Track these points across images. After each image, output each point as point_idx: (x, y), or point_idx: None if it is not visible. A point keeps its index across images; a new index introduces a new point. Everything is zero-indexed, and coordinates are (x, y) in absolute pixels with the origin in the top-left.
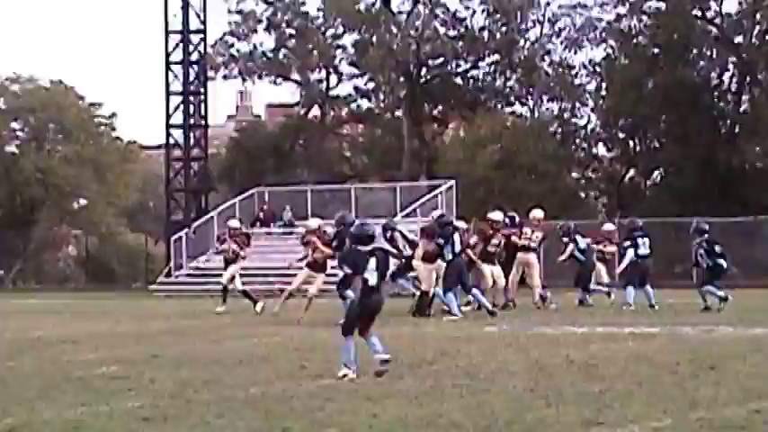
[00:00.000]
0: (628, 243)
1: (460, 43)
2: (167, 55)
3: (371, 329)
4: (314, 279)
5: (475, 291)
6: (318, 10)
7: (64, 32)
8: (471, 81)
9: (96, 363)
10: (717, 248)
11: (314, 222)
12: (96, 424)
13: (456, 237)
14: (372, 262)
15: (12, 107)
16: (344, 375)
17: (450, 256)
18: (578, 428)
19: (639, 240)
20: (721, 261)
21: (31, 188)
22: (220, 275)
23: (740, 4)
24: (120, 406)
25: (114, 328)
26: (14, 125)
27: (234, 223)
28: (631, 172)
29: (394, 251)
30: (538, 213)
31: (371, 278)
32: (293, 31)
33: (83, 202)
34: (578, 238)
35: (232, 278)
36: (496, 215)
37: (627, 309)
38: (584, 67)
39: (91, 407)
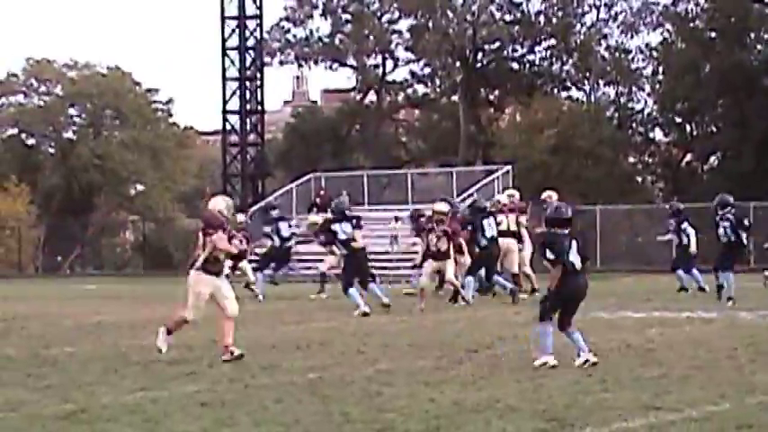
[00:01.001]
0: (686, 226)
1: (516, 28)
2: (224, 41)
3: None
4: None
5: (496, 278)
6: None
7: (121, 19)
8: (527, 66)
9: (155, 347)
10: (745, 222)
11: (443, 206)
12: (154, 408)
13: (487, 222)
14: (574, 245)
15: (69, 93)
16: (544, 363)
17: (483, 242)
18: (636, 412)
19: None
20: (743, 236)
21: (88, 174)
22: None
23: None
24: (178, 390)
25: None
26: (72, 111)
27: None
28: (688, 156)
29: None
30: (502, 198)
31: (576, 261)
32: (349, 17)
33: (140, 187)
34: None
35: (330, 266)
36: (441, 206)
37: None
38: (641, 51)
39: (149, 391)
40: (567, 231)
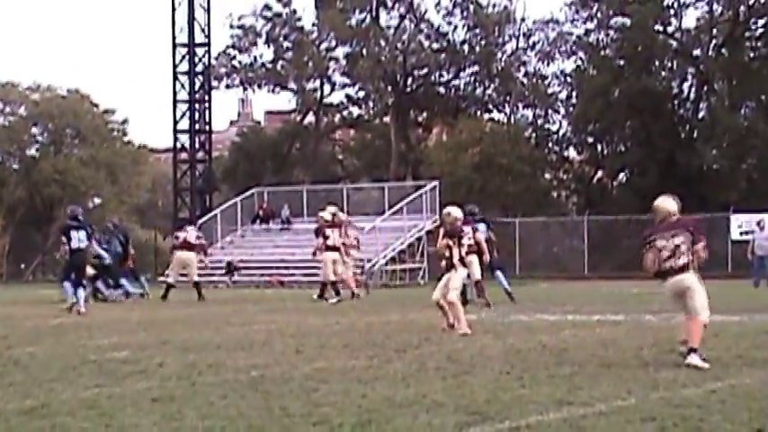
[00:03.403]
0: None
1: (443, 55)
2: (175, 66)
3: None
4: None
5: None
6: (313, 25)
7: (80, 45)
8: (453, 90)
9: (109, 348)
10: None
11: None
12: (109, 404)
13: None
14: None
15: (32, 114)
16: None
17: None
18: (551, 407)
19: None
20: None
21: (49, 188)
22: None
23: (698, 20)
24: (131, 387)
25: (126, 315)
26: (34, 130)
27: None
28: (599, 173)
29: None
30: (326, 215)
31: None
32: (290, 45)
33: (97, 200)
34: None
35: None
36: (457, 211)
37: None
38: (556, 77)
39: (105, 388)
40: None
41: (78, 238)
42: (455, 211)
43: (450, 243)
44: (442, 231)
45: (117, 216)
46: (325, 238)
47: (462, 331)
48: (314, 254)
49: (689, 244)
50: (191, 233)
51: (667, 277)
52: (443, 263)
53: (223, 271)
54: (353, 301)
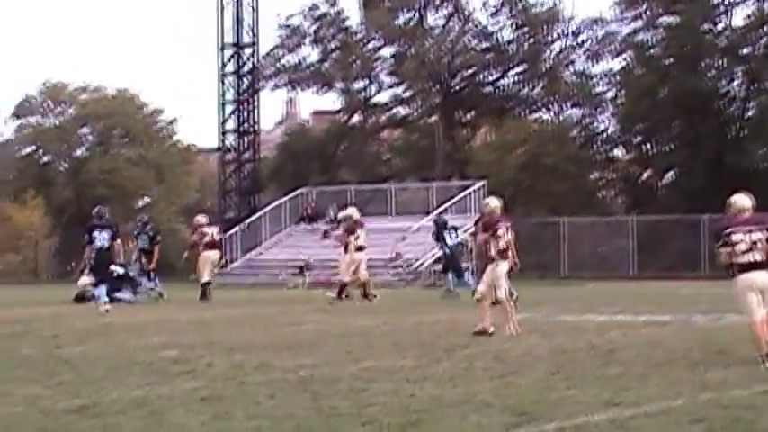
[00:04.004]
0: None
1: (490, 55)
2: (222, 67)
3: None
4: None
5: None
6: (359, 25)
7: (129, 45)
8: (499, 90)
9: (159, 347)
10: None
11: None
12: (158, 403)
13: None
14: None
15: (81, 114)
16: None
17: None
18: (598, 408)
19: None
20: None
21: (97, 189)
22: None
23: (747, 17)
24: (179, 387)
25: (175, 315)
26: (83, 131)
27: (200, 219)
28: (646, 173)
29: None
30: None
31: None
32: (336, 45)
33: (146, 200)
34: None
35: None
36: (200, 218)
37: None
38: (603, 76)
39: (153, 387)
40: None
41: (102, 238)
42: (493, 202)
43: (488, 237)
44: (481, 225)
45: (146, 214)
46: (356, 238)
47: (511, 330)
48: (346, 249)
49: (764, 242)
50: (215, 233)
51: (742, 272)
52: (483, 257)
53: (296, 271)
54: (365, 303)
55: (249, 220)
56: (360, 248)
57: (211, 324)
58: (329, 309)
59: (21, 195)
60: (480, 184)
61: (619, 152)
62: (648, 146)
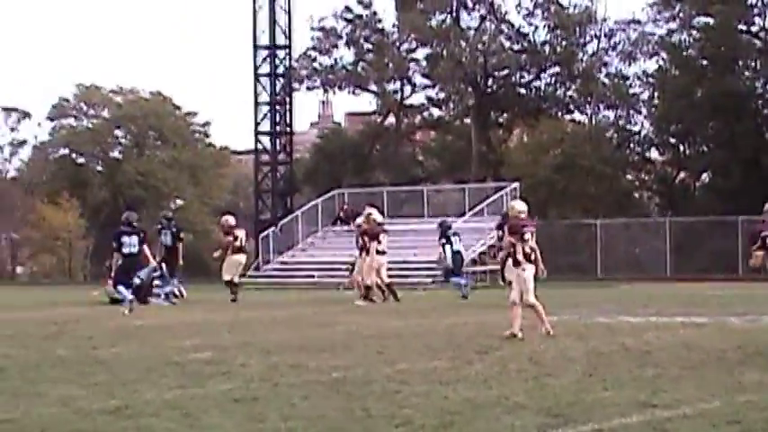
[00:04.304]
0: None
1: (524, 56)
2: (256, 68)
3: None
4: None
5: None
6: (393, 26)
7: (163, 48)
8: (534, 91)
9: (192, 349)
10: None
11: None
12: (193, 405)
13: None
14: None
15: (115, 116)
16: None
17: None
18: (634, 409)
19: None
20: None
21: (132, 190)
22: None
23: None
24: (213, 388)
25: (208, 317)
26: (118, 133)
27: (230, 220)
28: (681, 174)
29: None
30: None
31: None
32: (370, 46)
33: (180, 202)
34: None
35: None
36: (230, 219)
37: None
38: (638, 77)
39: (187, 389)
40: None
41: (130, 244)
42: (519, 205)
43: (514, 240)
44: (507, 228)
45: (170, 211)
46: (379, 242)
47: (545, 330)
48: (368, 253)
49: None
50: (243, 237)
51: None
52: (510, 261)
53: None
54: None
55: (283, 222)
56: (382, 252)
57: (245, 325)
58: (361, 309)
59: (55, 197)
60: (514, 185)
61: (654, 153)
62: (684, 147)
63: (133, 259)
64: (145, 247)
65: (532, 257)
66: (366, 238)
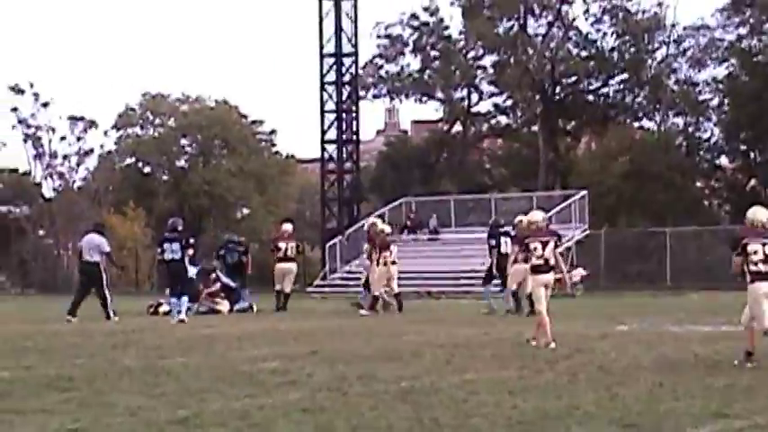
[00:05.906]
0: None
1: (592, 63)
2: (322, 76)
3: None
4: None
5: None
6: (460, 33)
7: (228, 56)
8: (602, 98)
9: (260, 358)
10: None
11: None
12: (260, 414)
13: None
14: None
15: (181, 125)
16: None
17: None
18: (706, 419)
19: None
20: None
21: (198, 199)
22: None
23: None
24: (281, 398)
25: (275, 326)
26: (184, 141)
27: (288, 228)
28: (752, 181)
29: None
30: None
31: None
32: (437, 54)
33: (245, 211)
34: None
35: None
36: (288, 227)
37: None
38: (708, 84)
39: (255, 399)
40: None
41: (171, 250)
42: (529, 216)
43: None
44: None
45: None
46: (390, 252)
47: (539, 342)
48: (384, 264)
49: None
50: (291, 247)
51: (756, 281)
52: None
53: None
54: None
55: (350, 231)
56: (393, 262)
57: (312, 334)
58: (428, 319)
59: (121, 206)
60: (583, 193)
61: (724, 160)
62: (754, 153)
63: (174, 265)
64: (189, 251)
65: (542, 269)
66: (374, 248)
